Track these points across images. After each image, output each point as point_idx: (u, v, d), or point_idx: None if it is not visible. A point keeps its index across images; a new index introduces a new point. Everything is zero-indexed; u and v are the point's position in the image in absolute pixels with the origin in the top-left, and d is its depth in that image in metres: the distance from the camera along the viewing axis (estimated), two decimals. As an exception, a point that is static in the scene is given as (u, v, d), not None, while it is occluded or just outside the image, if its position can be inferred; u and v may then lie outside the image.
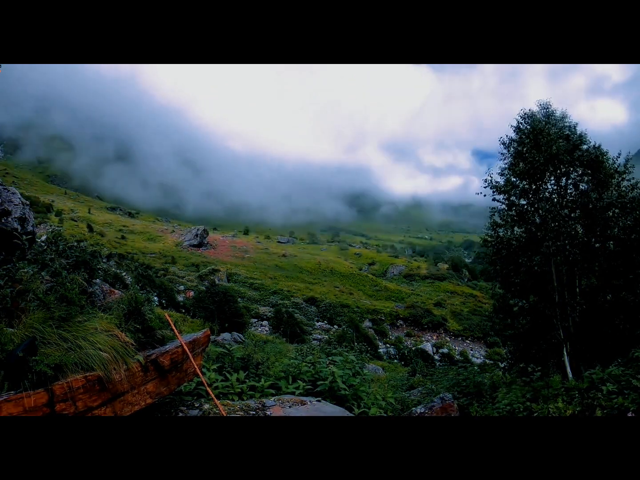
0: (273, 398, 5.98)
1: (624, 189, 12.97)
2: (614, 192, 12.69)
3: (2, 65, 4.46)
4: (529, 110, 14.03)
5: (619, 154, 13.86)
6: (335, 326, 59.15)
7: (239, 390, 6.27)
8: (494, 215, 14.35)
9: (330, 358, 8.32)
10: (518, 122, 14.03)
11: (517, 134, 13.93)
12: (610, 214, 12.47)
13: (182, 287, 59.18)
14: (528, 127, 13.58)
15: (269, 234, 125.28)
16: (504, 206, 14.16)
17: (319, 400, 6.22)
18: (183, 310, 40.72)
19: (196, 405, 5.34)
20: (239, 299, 50.27)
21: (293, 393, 6.62)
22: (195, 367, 4.85)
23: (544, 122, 13.39)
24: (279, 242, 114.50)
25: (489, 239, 14.03)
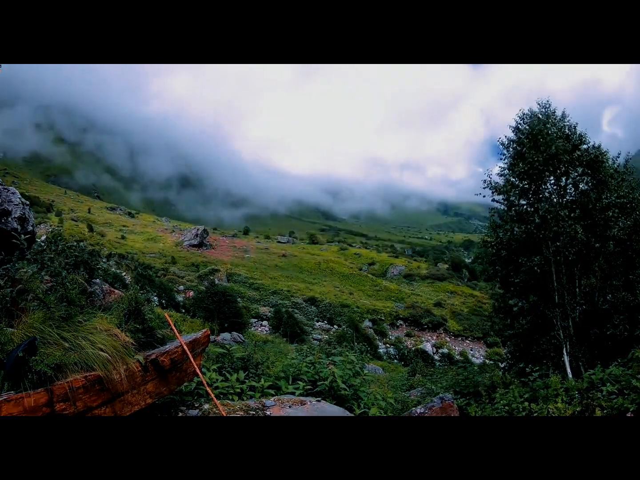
0: (273, 398, 5.98)
1: (624, 189, 12.98)
2: (614, 193, 12.70)
3: (2, 65, 4.46)
4: (528, 110, 14.01)
5: (619, 154, 13.88)
6: (335, 326, 59.15)
7: (239, 390, 6.27)
8: (493, 215, 14.38)
9: (330, 358, 8.30)
10: (517, 122, 14.02)
11: (515, 134, 13.91)
12: (610, 214, 12.47)
13: (182, 287, 59.15)
14: (527, 127, 13.57)
15: (268, 234, 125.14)
16: (503, 207, 14.18)
17: (319, 400, 6.21)
18: (183, 310, 40.68)
19: (196, 405, 5.35)
20: (238, 299, 50.22)
21: (293, 393, 6.61)
22: (195, 367, 4.85)
23: (543, 122, 13.37)
24: (278, 242, 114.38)
25: (488, 239, 14.04)
